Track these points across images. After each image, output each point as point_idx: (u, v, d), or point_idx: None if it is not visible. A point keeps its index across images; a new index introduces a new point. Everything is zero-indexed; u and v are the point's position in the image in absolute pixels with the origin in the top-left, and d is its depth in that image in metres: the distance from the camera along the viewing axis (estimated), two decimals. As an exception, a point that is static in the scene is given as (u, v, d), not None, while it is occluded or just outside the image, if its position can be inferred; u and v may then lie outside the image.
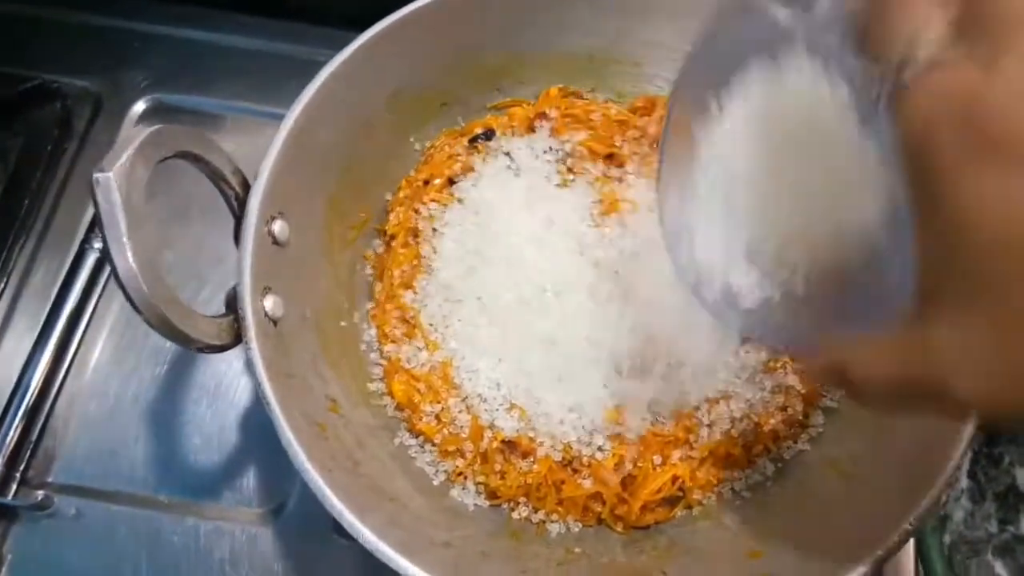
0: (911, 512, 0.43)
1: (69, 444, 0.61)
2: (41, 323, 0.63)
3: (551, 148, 0.59)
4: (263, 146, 0.70)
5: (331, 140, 0.53)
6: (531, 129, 0.59)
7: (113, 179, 0.38)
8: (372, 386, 0.54)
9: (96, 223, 0.54)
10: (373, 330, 0.55)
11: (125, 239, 0.39)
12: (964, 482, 0.69)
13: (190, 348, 0.43)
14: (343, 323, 0.55)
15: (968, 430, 0.43)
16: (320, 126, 0.52)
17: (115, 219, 0.39)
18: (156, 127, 0.42)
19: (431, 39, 0.55)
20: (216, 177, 0.47)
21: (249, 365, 0.44)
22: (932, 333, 0.27)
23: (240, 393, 0.62)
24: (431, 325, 0.54)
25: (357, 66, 0.52)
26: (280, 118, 0.70)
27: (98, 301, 0.65)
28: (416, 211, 0.57)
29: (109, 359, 0.64)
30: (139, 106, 0.73)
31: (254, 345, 0.44)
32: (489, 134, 0.59)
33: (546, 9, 0.57)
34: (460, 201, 0.57)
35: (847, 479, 0.49)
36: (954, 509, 0.68)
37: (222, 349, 0.45)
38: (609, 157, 0.59)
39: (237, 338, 0.45)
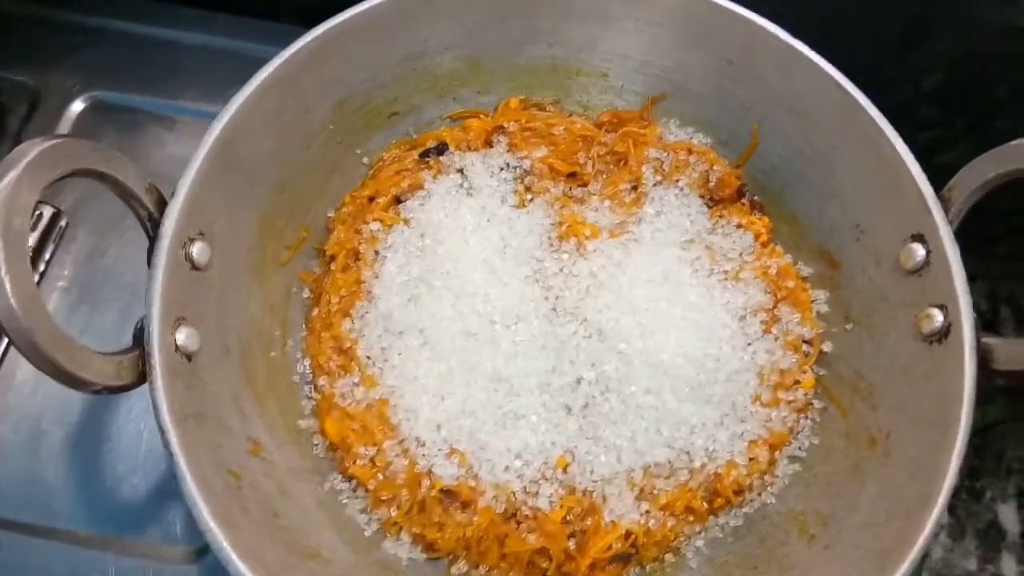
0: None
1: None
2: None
3: (508, 165, 0.55)
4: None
5: (266, 151, 0.49)
6: (488, 143, 0.55)
7: (-12, 206, 0.34)
8: (303, 423, 0.50)
9: None
10: (307, 361, 0.51)
11: (3, 274, 0.34)
12: (944, 518, 0.67)
13: (84, 391, 0.39)
14: (273, 353, 0.50)
15: (941, 495, 0.40)
16: (253, 136, 0.48)
17: (-11, 250, 0.34)
18: (50, 143, 0.38)
19: (381, 42, 0.52)
20: (126, 195, 0.43)
21: (153, 409, 0.40)
22: None
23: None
24: (369, 358, 0.50)
25: (297, 71, 0.49)
26: (229, 120, 0.67)
27: (23, 315, 0.60)
28: (359, 231, 0.53)
29: (30, 382, 0.59)
30: (77, 104, 0.68)
31: (159, 385, 0.40)
32: (441, 148, 0.55)
33: (508, 14, 0.53)
34: (406, 222, 0.53)
35: (811, 540, 0.45)
36: (933, 546, 0.66)
37: (124, 390, 0.40)
38: (571, 176, 0.55)
39: (142, 377, 0.41)
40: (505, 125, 0.55)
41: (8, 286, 0.35)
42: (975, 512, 0.67)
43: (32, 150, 0.37)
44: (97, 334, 0.60)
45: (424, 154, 0.55)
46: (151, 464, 0.57)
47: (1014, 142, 0.42)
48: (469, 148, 0.55)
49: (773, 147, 0.54)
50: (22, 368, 0.60)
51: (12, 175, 0.36)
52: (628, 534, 0.46)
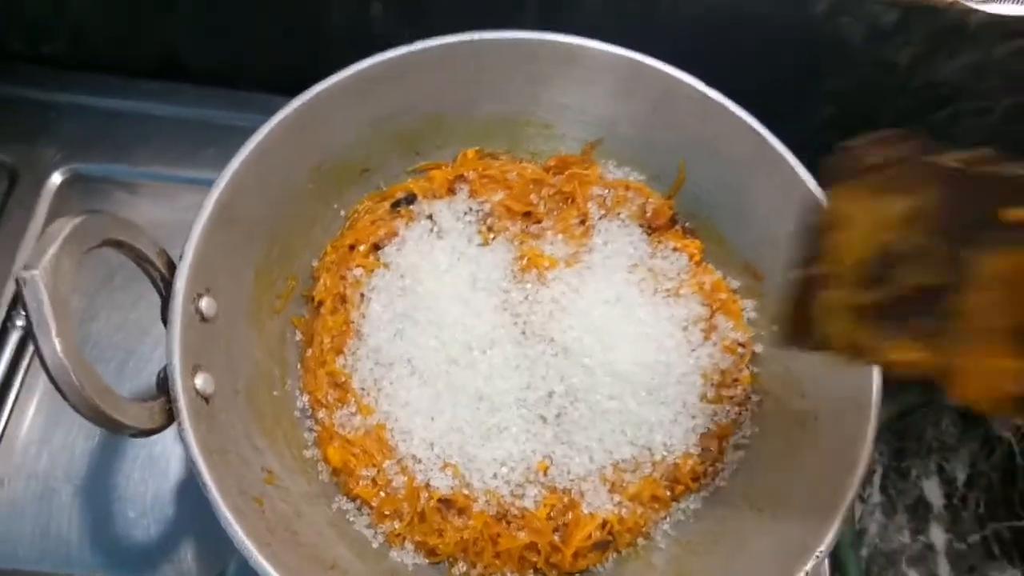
0: (821, 538, 0.46)
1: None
2: (-37, 409, 0.62)
3: (471, 209, 0.61)
4: (182, 211, 0.72)
5: (255, 213, 0.55)
6: (451, 191, 0.62)
7: (39, 277, 0.39)
8: (307, 453, 0.55)
9: (19, 304, 0.53)
10: (305, 397, 0.57)
11: (55, 336, 0.39)
12: (877, 496, 0.74)
13: (123, 435, 0.44)
14: (275, 392, 0.56)
15: (862, 462, 0.47)
16: (244, 200, 0.53)
17: (44, 317, 0.39)
18: (80, 218, 0.43)
19: (352, 109, 0.57)
20: (141, 260, 0.48)
21: (183, 445, 0.45)
22: None
23: (174, 463, 0.62)
24: (363, 389, 0.55)
25: (279, 140, 0.54)
26: (198, 183, 0.72)
27: (23, 378, 0.64)
28: (343, 277, 0.58)
29: (38, 437, 0.63)
30: (56, 177, 0.72)
31: (187, 426, 0.45)
32: (411, 198, 0.61)
33: (462, 77, 0.60)
34: (386, 266, 0.58)
35: (760, 511, 0.52)
36: (869, 523, 0.72)
37: (157, 431, 0.45)
38: (527, 215, 0.62)
39: (170, 419, 0.46)
40: (465, 174, 0.62)
41: (59, 347, 0.40)
42: (904, 489, 0.73)
43: (67, 225, 0.42)
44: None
45: (395, 204, 0.61)
46: (159, 508, 0.61)
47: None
48: (435, 196, 0.61)
49: (698, 180, 0.61)
50: (25, 430, 0.63)
51: (53, 249, 0.41)
52: (605, 523, 0.53)
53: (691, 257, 0.61)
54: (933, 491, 0.74)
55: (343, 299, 0.58)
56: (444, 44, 0.57)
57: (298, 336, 0.59)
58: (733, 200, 0.60)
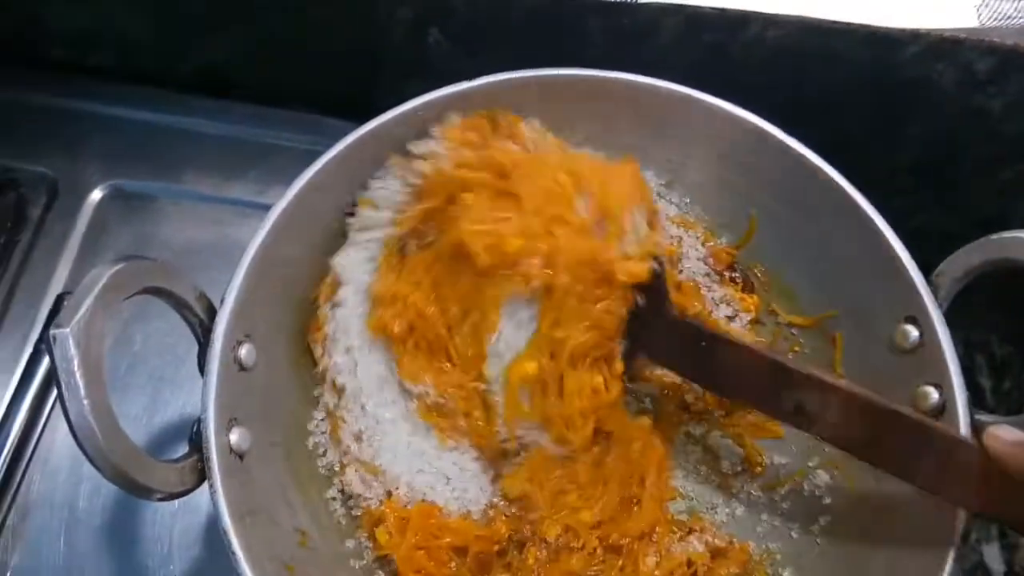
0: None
1: (20, 561, 0.58)
2: (-7, 431, 0.60)
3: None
4: (222, 231, 0.70)
5: (298, 254, 0.52)
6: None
7: (71, 336, 0.37)
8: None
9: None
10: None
11: (84, 398, 0.37)
12: None
13: (151, 499, 0.41)
14: (309, 441, 0.53)
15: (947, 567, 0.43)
16: (288, 241, 0.50)
17: (73, 377, 0.37)
18: (119, 266, 0.40)
19: (404, 146, 0.54)
20: (180, 307, 0.45)
21: (214, 508, 0.42)
22: None
23: (203, 501, 0.60)
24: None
25: (330, 175, 0.51)
26: (240, 204, 0.70)
27: (53, 405, 0.62)
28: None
29: (64, 467, 0.61)
30: (96, 193, 0.70)
31: (219, 488, 0.42)
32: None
33: (525, 113, 0.56)
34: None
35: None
36: None
37: (187, 494, 0.43)
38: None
39: (201, 478, 0.43)
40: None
41: (88, 411, 0.37)
42: (962, 554, 0.70)
43: (104, 275, 0.39)
44: (125, 420, 0.61)
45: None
46: (187, 549, 0.58)
47: (994, 236, 0.46)
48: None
49: (768, 230, 0.58)
50: (51, 461, 0.61)
51: (88, 303, 0.38)
52: None
53: (746, 311, 0.58)
54: (993, 556, 0.69)
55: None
56: (511, 79, 0.53)
57: (338, 382, 0.56)
58: (806, 254, 0.56)
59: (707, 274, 0.59)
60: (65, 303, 0.38)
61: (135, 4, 0.68)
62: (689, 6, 0.57)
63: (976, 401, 0.46)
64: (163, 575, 0.58)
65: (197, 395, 0.44)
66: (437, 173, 0.51)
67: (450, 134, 0.52)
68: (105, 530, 0.59)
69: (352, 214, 0.54)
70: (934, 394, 0.47)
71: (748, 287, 0.59)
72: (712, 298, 0.58)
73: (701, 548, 0.50)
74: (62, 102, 0.74)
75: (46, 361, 0.63)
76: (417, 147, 0.52)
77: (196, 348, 0.46)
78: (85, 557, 0.58)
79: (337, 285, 0.53)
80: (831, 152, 0.53)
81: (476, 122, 0.53)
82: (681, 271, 0.58)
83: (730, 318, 0.58)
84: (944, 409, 0.46)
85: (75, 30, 0.71)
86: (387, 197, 0.53)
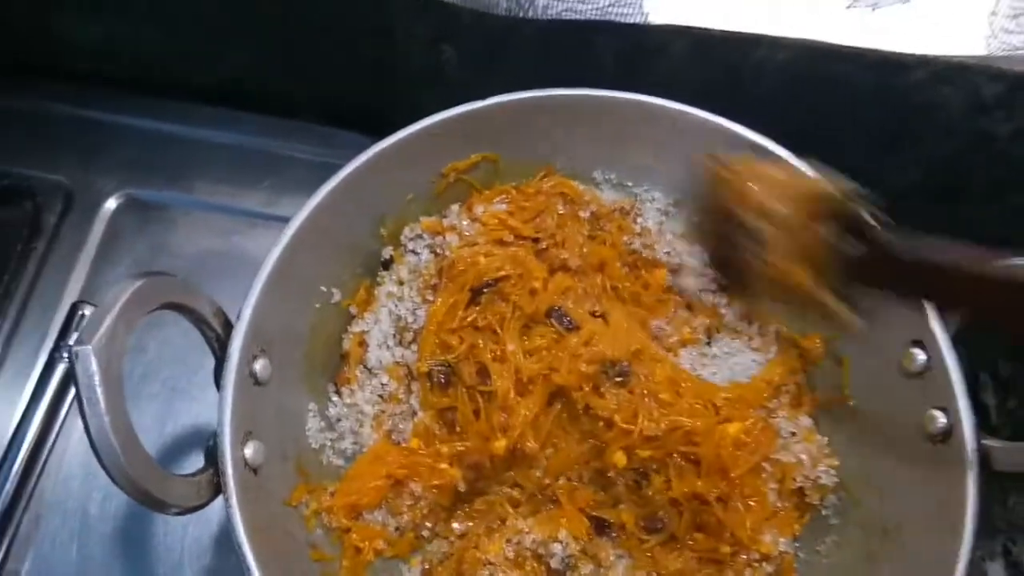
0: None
1: (32, 567, 0.58)
2: (9, 436, 0.61)
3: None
4: (236, 242, 0.70)
5: (314, 269, 0.53)
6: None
7: (93, 353, 0.37)
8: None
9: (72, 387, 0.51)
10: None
11: (104, 414, 0.37)
12: None
13: (167, 514, 0.42)
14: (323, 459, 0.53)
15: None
16: (304, 255, 0.51)
17: (94, 394, 0.37)
18: (139, 283, 0.41)
19: (418, 162, 0.55)
20: (199, 322, 0.46)
21: (229, 523, 0.43)
22: None
23: (215, 511, 0.60)
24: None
25: (345, 193, 0.52)
26: (254, 215, 0.70)
27: (67, 413, 0.63)
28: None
29: (77, 475, 0.61)
30: (111, 202, 0.71)
31: (234, 503, 0.43)
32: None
33: (534, 132, 0.57)
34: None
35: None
36: None
37: (203, 507, 0.43)
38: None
39: (216, 492, 0.44)
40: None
41: (109, 427, 0.38)
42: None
43: (125, 292, 0.40)
44: (139, 429, 0.62)
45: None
46: (198, 557, 0.59)
47: (1001, 263, 0.46)
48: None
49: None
50: (64, 467, 0.61)
51: (109, 321, 0.39)
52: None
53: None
54: (997, 573, 0.69)
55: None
56: (522, 99, 0.54)
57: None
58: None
59: (713, 291, 0.60)
60: (85, 315, 0.39)
61: (150, 17, 0.69)
62: (697, 28, 0.58)
63: (981, 419, 0.47)
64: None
65: (209, 404, 0.45)
66: None
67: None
68: (117, 538, 0.60)
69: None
70: (941, 418, 0.47)
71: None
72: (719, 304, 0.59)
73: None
74: (78, 112, 0.74)
75: (60, 368, 0.63)
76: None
77: (209, 357, 0.47)
78: (97, 564, 0.59)
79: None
80: (839, 174, 0.53)
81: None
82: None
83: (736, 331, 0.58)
84: (951, 433, 0.46)
85: (94, 40, 0.72)
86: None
